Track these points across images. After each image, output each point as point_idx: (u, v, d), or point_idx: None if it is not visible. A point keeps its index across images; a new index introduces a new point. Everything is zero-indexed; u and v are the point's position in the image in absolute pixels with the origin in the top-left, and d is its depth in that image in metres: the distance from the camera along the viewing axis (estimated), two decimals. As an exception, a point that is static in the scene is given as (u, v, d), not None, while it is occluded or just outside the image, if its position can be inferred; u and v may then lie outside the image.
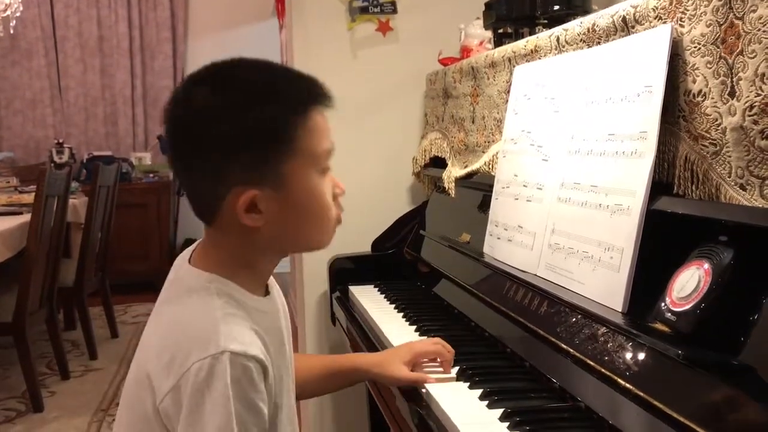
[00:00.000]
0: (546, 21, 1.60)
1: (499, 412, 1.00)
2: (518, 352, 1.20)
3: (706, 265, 0.86)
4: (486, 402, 1.05)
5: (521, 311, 1.21)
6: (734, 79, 0.85)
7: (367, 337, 1.55)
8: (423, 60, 2.12)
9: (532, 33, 1.61)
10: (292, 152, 0.90)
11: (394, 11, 2.17)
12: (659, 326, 0.90)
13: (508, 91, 1.49)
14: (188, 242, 3.61)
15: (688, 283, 0.87)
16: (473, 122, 1.74)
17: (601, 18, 1.17)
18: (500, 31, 1.76)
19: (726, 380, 0.78)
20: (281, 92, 0.92)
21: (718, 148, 0.89)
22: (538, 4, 1.61)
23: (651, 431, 0.83)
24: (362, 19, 2.16)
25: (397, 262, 1.99)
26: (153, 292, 1.26)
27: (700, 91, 0.92)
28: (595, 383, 0.96)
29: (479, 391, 1.09)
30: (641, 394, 0.86)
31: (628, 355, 0.93)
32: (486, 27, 1.81)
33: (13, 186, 4.46)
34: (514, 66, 1.49)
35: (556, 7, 1.57)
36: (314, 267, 2.15)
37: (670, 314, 0.88)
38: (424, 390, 1.15)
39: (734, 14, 0.85)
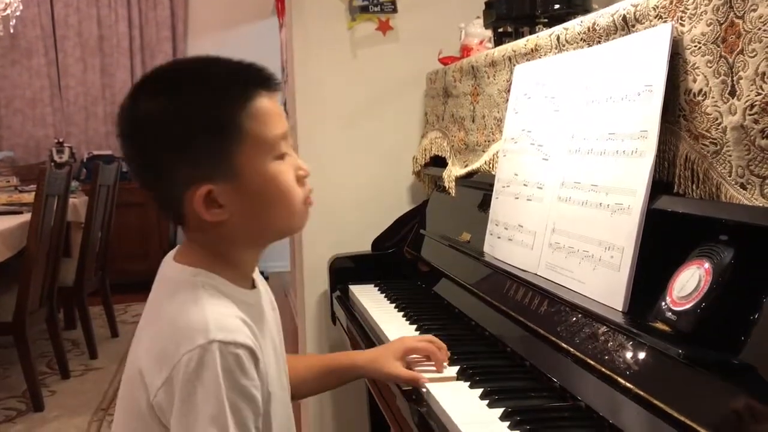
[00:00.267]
0: (546, 20, 1.60)
1: (500, 411, 1.00)
2: (519, 352, 1.20)
3: (707, 265, 0.86)
4: (486, 401, 1.05)
5: (521, 310, 1.21)
6: (735, 78, 0.85)
7: (368, 337, 1.55)
8: (423, 59, 2.12)
9: (532, 32, 1.60)
10: (241, 142, 0.90)
11: (395, 10, 2.16)
12: (660, 325, 0.90)
13: (509, 90, 1.49)
14: (188, 241, 3.61)
15: (689, 282, 0.87)
16: (473, 121, 1.74)
17: (601, 17, 1.17)
18: (500, 30, 1.76)
19: (726, 379, 0.78)
20: (219, 83, 0.92)
21: (718, 147, 0.89)
22: (539, 3, 1.60)
23: (651, 430, 0.83)
24: (362, 18, 2.16)
25: (398, 261, 1.99)
26: (153, 291, 1.26)
27: (701, 90, 0.92)
28: (596, 382, 0.96)
29: (480, 391, 1.09)
30: (642, 393, 0.86)
31: (629, 355, 0.93)
32: (486, 26, 1.81)
33: (13, 185, 4.45)
34: (514, 65, 1.49)
35: (557, 6, 1.57)
36: (314, 266, 2.15)
37: (670, 313, 0.88)
38: (424, 389, 1.14)
39: (735, 13, 0.85)
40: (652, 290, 0.94)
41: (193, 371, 0.83)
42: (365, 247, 2.06)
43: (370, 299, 1.77)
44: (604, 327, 0.99)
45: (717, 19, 0.88)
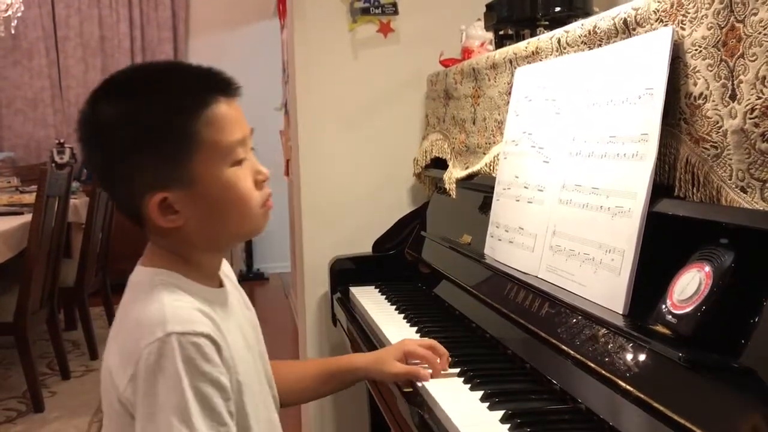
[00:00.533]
0: (547, 23, 1.60)
1: (500, 413, 1.00)
2: (519, 354, 1.20)
3: (707, 268, 0.86)
4: (487, 404, 1.05)
5: (522, 313, 1.21)
6: (735, 82, 0.86)
7: (368, 339, 1.55)
8: (424, 61, 2.12)
9: (533, 35, 1.61)
10: (196, 150, 0.90)
11: (396, 12, 2.17)
12: (660, 328, 0.90)
13: (509, 93, 1.49)
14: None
15: (689, 285, 0.87)
16: (474, 123, 1.74)
17: (602, 20, 1.17)
18: (501, 32, 1.77)
19: (727, 383, 0.78)
20: (175, 91, 0.92)
21: (719, 150, 0.89)
22: (539, 5, 1.61)
23: (652, 433, 0.83)
24: (363, 20, 2.17)
25: (398, 263, 1.99)
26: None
27: (701, 93, 0.92)
28: (596, 385, 0.96)
29: (480, 393, 1.09)
30: (642, 396, 0.86)
31: (629, 357, 0.93)
32: (487, 28, 1.81)
33: (14, 186, 4.46)
34: (515, 67, 1.49)
35: (557, 9, 1.58)
36: (315, 268, 2.16)
37: (670, 316, 0.89)
38: (425, 392, 1.15)
39: (735, 17, 0.85)
40: (653, 293, 0.94)
41: (153, 363, 0.85)
42: (366, 248, 2.06)
43: (371, 301, 1.78)
44: (605, 330, 1.00)
45: (717, 23, 0.88)
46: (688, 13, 0.94)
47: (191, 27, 5.75)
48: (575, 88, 1.23)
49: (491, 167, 1.59)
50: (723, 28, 0.87)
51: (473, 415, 1.03)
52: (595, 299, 1.05)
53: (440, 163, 1.99)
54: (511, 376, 1.18)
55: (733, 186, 0.87)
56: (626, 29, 1.10)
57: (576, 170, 1.18)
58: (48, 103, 5.59)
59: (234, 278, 1.11)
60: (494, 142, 1.61)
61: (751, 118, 0.83)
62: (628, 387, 0.89)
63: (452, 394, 1.11)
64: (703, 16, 0.91)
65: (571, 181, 1.18)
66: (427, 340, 1.26)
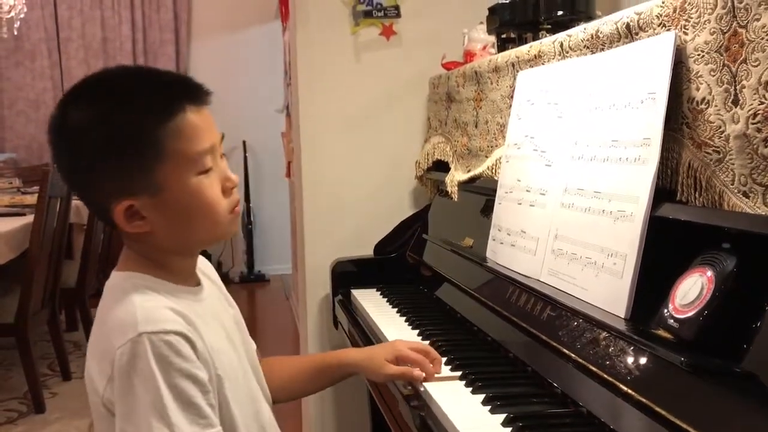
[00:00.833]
0: (549, 26, 1.60)
1: (502, 417, 1.01)
2: (521, 357, 1.20)
3: (709, 273, 0.86)
4: (488, 407, 1.06)
5: (524, 316, 1.21)
6: (738, 87, 0.86)
7: (369, 341, 1.55)
8: (426, 64, 2.13)
9: (535, 38, 1.61)
10: (162, 158, 0.91)
11: (398, 15, 2.17)
12: (662, 333, 0.90)
13: (512, 96, 1.50)
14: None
15: (691, 290, 0.87)
16: (476, 127, 1.74)
17: (604, 24, 1.17)
18: (504, 36, 1.77)
19: (729, 387, 0.78)
20: (141, 98, 0.92)
21: (721, 155, 0.89)
22: (542, 9, 1.61)
23: (653, 437, 0.83)
24: (366, 23, 2.17)
25: (400, 265, 1.99)
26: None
27: (704, 98, 0.92)
28: (598, 389, 0.96)
29: (482, 396, 1.09)
30: (643, 400, 0.87)
31: (631, 361, 0.93)
32: (489, 32, 1.81)
33: (15, 187, 4.46)
34: (517, 71, 1.49)
35: (560, 13, 1.58)
36: (317, 270, 2.16)
37: (672, 321, 0.89)
38: (426, 394, 1.15)
39: (738, 23, 0.85)
40: (655, 297, 0.94)
41: (127, 364, 0.86)
42: (367, 251, 2.06)
43: (372, 303, 1.78)
44: (606, 333, 1.00)
45: (720, 28, 0.88)
46: (691, 18, 0.94)
47: (193, 29, 5.76)
48: (577, 92, 1.23)
49: (493, 170, 1.59)
50: (726, 33, 0.87)
51: (475, 418, 1.03)
52: (597, 303, 1.06)
53: (442, 166, 1.99)
54: (513, 380, 1.18)
55: (736, 191, 0.87)
56: (629, 34, 1.10)
57: (578, 174, 1.18)
58: (50, 105, 5.59)
59: (214, 275, 1.13)
60: (496, 146, 1.61)
61: (753, 123, 0.83)
62: (629, 391, 0.89)
63: (453, 397, 1.11)
64: (705, 21, 0.91)
65: (574, 185, 1.18)
66: (420, 344, 1.26)
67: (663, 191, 1.00)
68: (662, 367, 0.87)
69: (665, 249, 0.98)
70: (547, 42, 1.38)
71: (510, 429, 0.97)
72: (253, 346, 1.16)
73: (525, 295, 1.24)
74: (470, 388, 1.14)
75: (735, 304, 0.83)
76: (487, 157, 1.66)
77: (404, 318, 1.60)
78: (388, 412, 1.31)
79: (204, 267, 1.10)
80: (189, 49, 5.74)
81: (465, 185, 1.78)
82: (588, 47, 1.24)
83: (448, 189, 1.84)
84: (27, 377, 3.02)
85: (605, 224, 1.07)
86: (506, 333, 1.27)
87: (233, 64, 5.58)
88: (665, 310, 0.90)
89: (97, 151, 0.91)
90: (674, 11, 0.98)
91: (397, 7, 2.16)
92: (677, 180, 0.98)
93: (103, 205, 0.93)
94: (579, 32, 1.27)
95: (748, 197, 0.85)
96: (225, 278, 5.72)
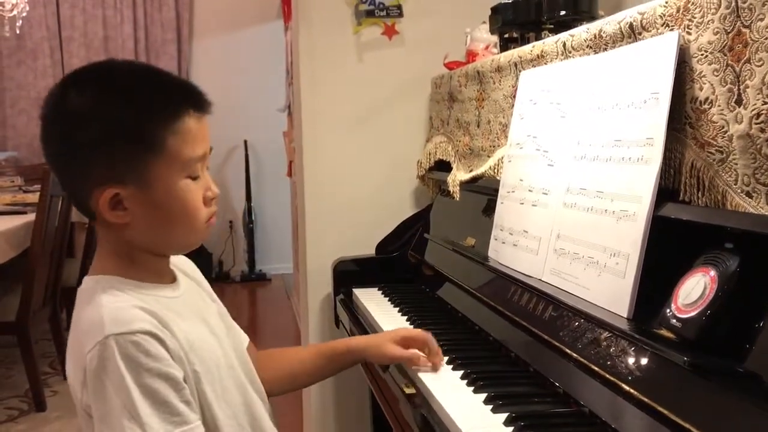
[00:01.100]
0: (552, 26, 1.60)
1: (504, 416, 1.01)
2: (523, 357, 1.20)
3: (712, 272, 0.86)
4: (490, 406, 1.05)
5: (526, 316, 1.21)
6: (741, 87, 0.86)
7: (371, 340, 1.55)
8: (428, 64, 2.13)
9: (538, 38, 1.61)
10: (159, 154, 0.93)
11: (400, 15, 2.17)
12: (664, 332, 0.90)
13: (514, 96, 1.50)
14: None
15: (694, 289, 0.87)
16: (478, 126, 1.74)
17: (608, 24, 1.17)
18: (506, 35, 1.77)
19: (731, 387, 0.78)
20: (151, 95, 0.94)
21: (724, 155, 0.89)
22: (545, 9, 1.61)
23: (655, 437, 0.83)
24: (368, 22, 2.17)
25: (402, 265, 2.00)
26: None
27: (707, 98, 0.92)
28: (600, 388, 0.96)
29: (483, 395, 1.09)
30: (645, 399, 0.87)
31: (633, 361, 0.93)
32: (492, 31, 1.81)
33: (17, 185, 4.45)
34: (520, 71, 1.49)
35: (563, 13, 1.58)
36: (318, 269, 2.16)
37: (675, 321, 0.89)
38: (427, 393, 1.15)
39: (741, 22, 0.85)
40: (657, 297, 0.94)
41: (96, 367, 0.87)
42: (369, 250, 2.06)
43: (374, 303, 1.78)
44: (609, 333, 1.00)
45: (724, 28, 0.88)
46: (695, 17, 0.94)
47: (195, 28, 5.76)
48: (580, 92, 1.23)
49: (495, 170, 1.59)
50: (729, 33, 0.87)
51: (476, 417, 1.03)
52: (599, 303, 1.06)
53: (444, 166, 1.99)
54: (515, 379, 1.18)
55: (739, 191, 0.87)
56: (632, 33, 1.10)
57: (581, 174, 1.18)
58: (52, 103, 5.59)
59: (192, 271, 1.13)
60: (498, 145, 1.61)
61: (756, 123, 0.83)
62: (631, 390, 0.89)
63: (455, 396, 1.11)
64: (709, 20, 0.91)
65: (576, 185, 1.18)
66: (422, 332, 1.27)
67: (666, 191, 1.00)
68: (665, 367, 0.87)
69: (668, 249, 0.98)
70: (550, 42, 1.38)
71: (512, 428, 0.97)
72: (244, 339, 1.17)
73: (527, 294, 1.25)
74: (472, 387, 1.14)
75: (738, 303, 0.83)
76: (489, 156, 1.66)
77: (406, 317, 1.60)
78: (389, 410, 1.31)
79: (181, 263, 1.10)
80: (191, 48, 5.74)
81: (467, 185, 1.78)
82: (591, 47, 1.24)
83: (450, 189, 1.84)
84: (28, 375, 3.03)
85: (608, 224, 1.07)
86: (508, 332, 1.27)
87: (235, 63, 5.59)
88: (668, 310, 0.90)
89: (96, 137, 0.91)
90: (677, 11, 0.98)
91: (399, 7, 2.16)
92: (680, 180, 0.98)
93: (86, 188, 0.93)
94: (582, 32, 1.27)
95: (751, 197, 0.85)
96: (226, 277, 5.76)
